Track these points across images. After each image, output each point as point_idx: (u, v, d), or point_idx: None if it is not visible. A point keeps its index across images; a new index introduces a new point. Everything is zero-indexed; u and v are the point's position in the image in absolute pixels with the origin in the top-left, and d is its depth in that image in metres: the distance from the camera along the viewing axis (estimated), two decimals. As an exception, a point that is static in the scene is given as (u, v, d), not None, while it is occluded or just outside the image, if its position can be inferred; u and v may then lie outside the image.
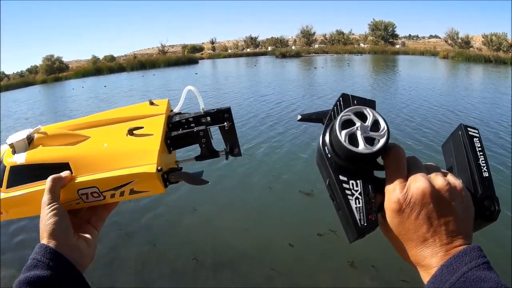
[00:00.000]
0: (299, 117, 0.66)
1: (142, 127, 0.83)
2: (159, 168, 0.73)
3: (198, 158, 0.87)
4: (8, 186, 0.80)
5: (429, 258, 0.52)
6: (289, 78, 23.08)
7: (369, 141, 0.56)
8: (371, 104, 0.61)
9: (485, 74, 23.56)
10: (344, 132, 0.56)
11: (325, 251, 4.45)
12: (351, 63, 31.70)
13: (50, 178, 0.74)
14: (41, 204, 0.73)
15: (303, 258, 4.40)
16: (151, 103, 0.93)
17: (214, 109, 0.85)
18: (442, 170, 0.60)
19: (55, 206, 0.71)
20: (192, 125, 0.85)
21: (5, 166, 0.80)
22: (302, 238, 4.76)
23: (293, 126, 9.90)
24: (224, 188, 6.15)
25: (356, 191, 0.57)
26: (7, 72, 43.36)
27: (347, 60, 35.58)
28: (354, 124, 0.57)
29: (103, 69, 38.17)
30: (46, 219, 0.70)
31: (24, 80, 36.52)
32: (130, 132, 0.82)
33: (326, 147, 0.59)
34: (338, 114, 0.60)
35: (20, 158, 0.80)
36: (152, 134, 0.81)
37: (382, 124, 0.57)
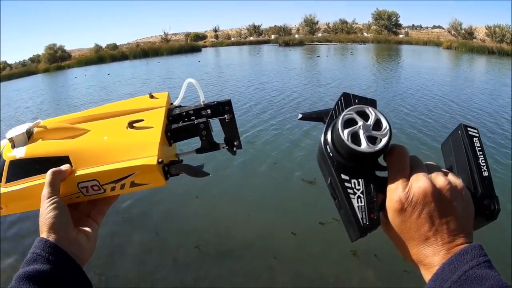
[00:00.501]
0: (300, 116, 0.67)
1: (142, 120, 0.83)
2: (159, 160, 0.73)
3: (198, 151, 0.87)
4: (7, 181, 0.79)
5: (431, 256, 0.53)
6: (292, 66, 22.89)
7: (372, 140, 0.56)
8: (372, 103, 0.62)
9: (488, 66, 23.33)
10: (346, 131, 0.56)
11: (328, 240, 4.45)
12: (354, 52, 31.46)
13: (50, 171, 0.73)
14: (41, 198, 0.72)
15: (305, 246, 4.41)
16: (151, 96, 0.94)
17: (214, 102, 0.85)
18: (443, 169, 0.61)
19: (55, 200, 0.71)
20: (192, 117, 0.85)
21: (5, 161, 0.80)
22: (304, 226, 4.76)
23: (295, 114, 9.82)
24: (226, 176, 6.18)
25: (358, 190, 0.57)
26: (9, 62, 42.86)
27: (350, 49, 35.23)
28: (356, 123, 0.58)
29: (105, 57, 37.75)
30: (46, 212, 0.69)
31: (26, 69, 35.91)
32: (130, 125, 0.82)
33: (328, 146, 0.59)
34: (339, 113, 0.61)
35: (20, 152, 0.79)
36: (152, 127, 0.81)
37: (384, 123, 0.58)
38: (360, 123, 0.57)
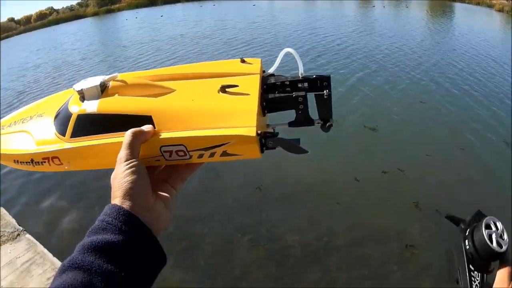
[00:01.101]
0: (446, 215, 0.87)
1: (236, 86, 0.72)
2: (258, 132, 0.64)
3: (292, 124, 0.78)
4: (73, 136, 0.72)
5: None
6: (347, 14, 21.90)
7: (498, 244, 0.71)
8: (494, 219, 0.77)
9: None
10: (486, 231, 0.72)
11: (390, 189, 4.31)
12: (408, 5, 29.79)
13: (130, 131, 0.63)
14: (111, 158, 0.63)
15: (368, 194, 4.27)
16: (242, 61, 0.83)
17: (313, 75, 0.75)
18: None
19: (134, 163, 0.60)
20: (287, 89, 0.75)
21: (71, 114, 0.72)
22: (367, 174, 4.59)
23: (355, 59, 9.54)
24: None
25: (477, 280, 0.72)
26: (55, 7, 42.32)
27: (405, 1, 33.63)
28: (491, 228, 0.74)
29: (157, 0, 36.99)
30: (122, 176, 0.59)
31: (74, 14, 35.27)
32: (223, 89, 0.71)
33: (467, 240, 0.76)
34: (473, 222, 0.79)
35: (91, 107, 0.70)
36: (248, 94, 0.71)
37: (505, 235, 0.73)
38: (494, 229, 0.73)
